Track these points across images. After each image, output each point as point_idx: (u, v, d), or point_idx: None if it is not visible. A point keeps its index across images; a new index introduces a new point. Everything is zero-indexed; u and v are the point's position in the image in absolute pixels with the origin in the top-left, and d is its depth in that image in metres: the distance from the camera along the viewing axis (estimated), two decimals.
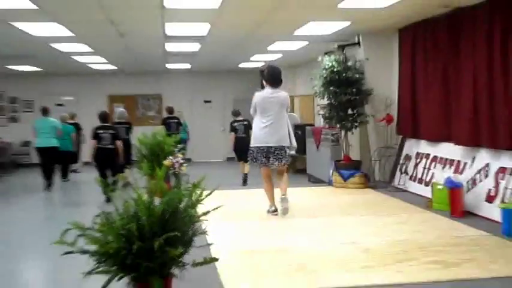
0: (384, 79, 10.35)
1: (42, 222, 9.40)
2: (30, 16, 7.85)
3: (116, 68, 16.07)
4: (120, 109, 12.78)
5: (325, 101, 10.30)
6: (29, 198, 11.66)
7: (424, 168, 9.09)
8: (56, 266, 6.09)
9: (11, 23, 8.36)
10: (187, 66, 16.12)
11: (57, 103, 16.97)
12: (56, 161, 12.56)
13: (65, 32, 9.16)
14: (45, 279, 6.12)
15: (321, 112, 10.53)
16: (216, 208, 4.18)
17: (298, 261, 5.27)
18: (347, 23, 9.15)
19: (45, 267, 6.44)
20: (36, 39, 9.79)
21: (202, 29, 9.28)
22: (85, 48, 11.41)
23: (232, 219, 7.26)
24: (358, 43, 10.46)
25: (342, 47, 10.44)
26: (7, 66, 15.00)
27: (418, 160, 9.36)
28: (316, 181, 11.36)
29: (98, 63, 14.59)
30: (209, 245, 4.49)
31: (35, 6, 7.10)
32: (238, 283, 4.69)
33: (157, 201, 3.82)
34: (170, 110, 14.85)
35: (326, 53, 10.56)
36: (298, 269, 5.04)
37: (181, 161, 8.90)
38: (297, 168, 12.69)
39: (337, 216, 7.51)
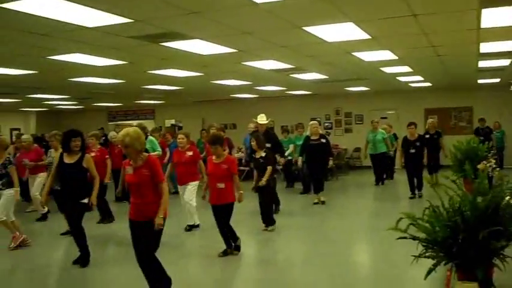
0: None
1: (373, 212, 9.72)
2: (366, 46, 8.16)
3: (431, 84, 15.61)
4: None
5: None
6: (361, 192, 12.27)
7: None
8: (389, 248, 6.25)
9: (352, 52, 8.84)
10: (497, 80, 14.67)
11: (382, 116, 17.35)
12: (384, 164, 13.16)
13: (391, 56, 9.27)
14: (380, 259, 6.30)
15: None
16: None
17: None
18: None
19: (381, 248, 6.63)
20: (368, 64, 10.14)
21: None
22: (407, 69, 11.38)
23: None
24: None
25: None
26: (346, 88, 16.01)
27: None
28: None
29: (416, 81, 14.39)
30: None
31: (369, 37, 7.36)
32: None
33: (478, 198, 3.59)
34: (482, 121, 13.77)
35: None
36: None
37: (494, 166, 8.18)
38: None
39: None
